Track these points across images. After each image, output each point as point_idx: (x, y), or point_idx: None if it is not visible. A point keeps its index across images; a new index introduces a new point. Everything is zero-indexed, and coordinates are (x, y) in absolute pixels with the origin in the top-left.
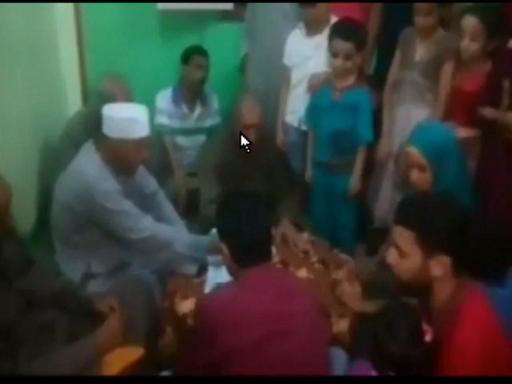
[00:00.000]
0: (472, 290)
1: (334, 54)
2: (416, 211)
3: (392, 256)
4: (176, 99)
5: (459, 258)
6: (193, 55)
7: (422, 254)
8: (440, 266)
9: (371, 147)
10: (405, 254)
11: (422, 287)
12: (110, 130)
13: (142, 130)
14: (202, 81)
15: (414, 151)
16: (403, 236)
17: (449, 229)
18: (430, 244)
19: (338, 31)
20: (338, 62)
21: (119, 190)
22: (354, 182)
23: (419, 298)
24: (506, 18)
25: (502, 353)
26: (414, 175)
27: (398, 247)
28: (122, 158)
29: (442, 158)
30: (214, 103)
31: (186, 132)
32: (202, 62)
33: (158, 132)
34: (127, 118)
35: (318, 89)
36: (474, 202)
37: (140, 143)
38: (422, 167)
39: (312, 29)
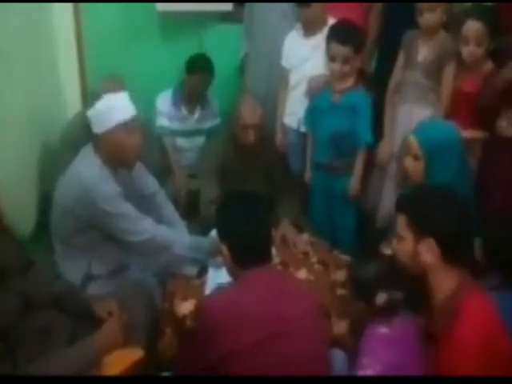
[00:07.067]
0: (473, 288)
1: (331, 58)
2: (409, 197)
3: (394, 242)
4: (176, 102)
5: (446, 243)
6: (199, 70)
7: (413, 237)
8: (429, 251)
9: (371, 149)
10: (401, 238)
11: (420, 277)
12: (97, 126)
13: (123, 114)
14: (204, 91)
15: (413, 140)
16: (399, 221)
17: (435, 212)
18: (418, 227)
19: (335, 35)
20: (336, 66)
21: (119, 193)
22: (354, 183)
23: (422, 297)
24: (498, 16)
25: (504, 352)
26: (408, 163)
27: (397, 233)
28: (116, 149)
29: (438, 153)
30: (214, 105)
31: (186, 134)
32: (207, 78)
33: (158, 133)
34: (105, 108)
35: (317, 91)
36: (474, 201)
37: (127, 127)
38: (417, 157)
39: (309, 30)
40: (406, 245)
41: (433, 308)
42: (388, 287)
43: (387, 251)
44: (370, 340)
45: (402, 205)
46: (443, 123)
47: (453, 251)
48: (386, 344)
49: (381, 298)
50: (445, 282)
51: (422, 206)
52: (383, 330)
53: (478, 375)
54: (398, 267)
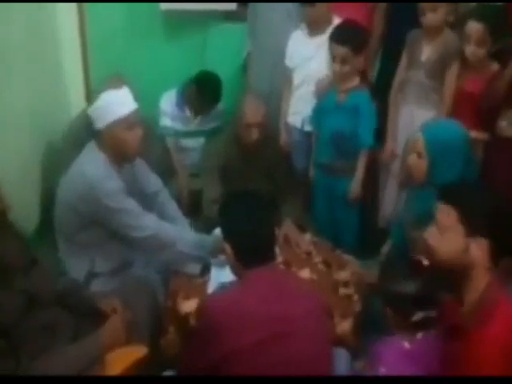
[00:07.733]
0: (505, 287)
1: (332, 58)
2: (461, 189)
3: (432, 235)
4: (179, 103)
5: (497, 242)
6: (205, 91)
7: (464, 232)
8: (480, 250)
9: (373, 150)
10: (447, 229)
11: (456, 277)
12: (98, 121)
13: (123, 109)
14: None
15: (418, 139)
16: (444, 211)
17: (488, 209)
18: (473, 225)
19: (335, 35)
20: (336, 66)
21: (123, 188)
22: (355, 186)
23: (453, 294)
24: (506, 17)
25: None
26: (411, 160)
27: (439, 225)
28: (117, 144)
29: (442, 153)
30: (219, 106)
31: (189, 134)
32: (210, 104)
33: (161, 133)
34: (106, 104)
35: (324, 92)
36: None
37: (127, 121)
38: (420, 155)
39: (314, 29)
40: (455, 239)
41: (463, 302)
42: (426, 305)
43: (425, 262)
44: (390, 352)
45: (452, 197)
46: (450, 124)
47: (498, 252)
48: (407, 360)
49: (418, 315)
50: (482, 278)
51: (477, 204)
52: (406, 345)
53: (497, 374)
54: (436, 282)
